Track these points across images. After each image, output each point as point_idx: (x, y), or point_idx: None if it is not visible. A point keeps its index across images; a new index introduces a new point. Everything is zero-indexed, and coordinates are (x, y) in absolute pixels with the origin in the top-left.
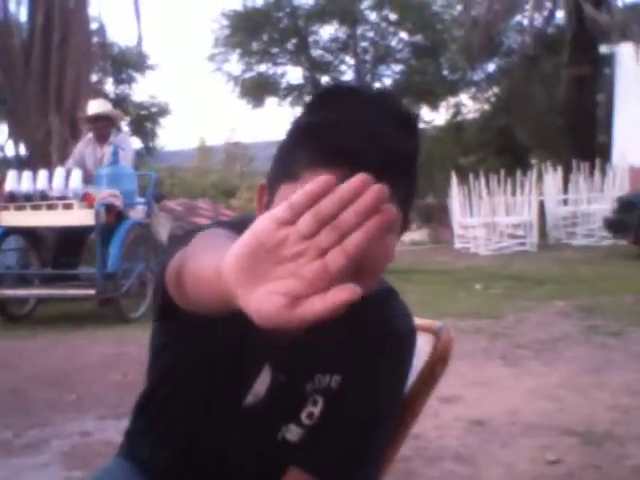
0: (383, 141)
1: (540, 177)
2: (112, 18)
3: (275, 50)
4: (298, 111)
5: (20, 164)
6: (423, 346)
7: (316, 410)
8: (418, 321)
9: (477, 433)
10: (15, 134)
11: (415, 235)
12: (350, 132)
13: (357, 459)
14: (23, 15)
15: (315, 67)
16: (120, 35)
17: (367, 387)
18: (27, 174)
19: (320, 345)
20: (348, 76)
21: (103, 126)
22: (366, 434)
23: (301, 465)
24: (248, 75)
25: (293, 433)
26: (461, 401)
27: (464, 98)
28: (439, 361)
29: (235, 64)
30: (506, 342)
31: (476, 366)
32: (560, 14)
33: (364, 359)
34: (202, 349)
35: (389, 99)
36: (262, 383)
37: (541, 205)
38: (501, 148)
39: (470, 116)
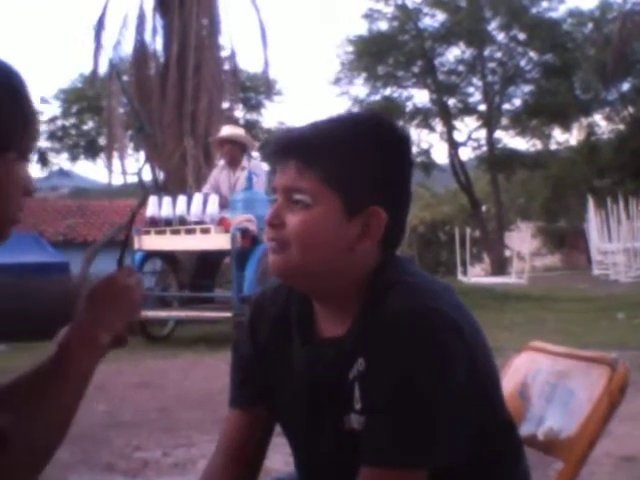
0: (286, 135)
1: None
2: (241, 45)
3: (401, 73)
4: (424, 134)
5: (157, 188)
6: (598, 378)
7: (357, 395)
8: (591, 354)
9: (628, 470)
10: (152, 159)
11: (547, 260)
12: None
13: (411, 441)
14: (158, 44)
15: (441, 89)
16: (249, 62)
17: (387, 367)
18: (167, 200)
19: (346, 331)
20: (476, 98)
21: (234, 150)
22: (411, 415)
23: (362, 461)
24: (374, 99)
25: (356, 422)
26: (610, 436)
27: (598, 118)
28: (616, 391)
29: (360, 88)
30: None
31: (624, 400)
32: None
33: (379, 340)
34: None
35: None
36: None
37: None
38: (638, 169)
39: (605, 137)
